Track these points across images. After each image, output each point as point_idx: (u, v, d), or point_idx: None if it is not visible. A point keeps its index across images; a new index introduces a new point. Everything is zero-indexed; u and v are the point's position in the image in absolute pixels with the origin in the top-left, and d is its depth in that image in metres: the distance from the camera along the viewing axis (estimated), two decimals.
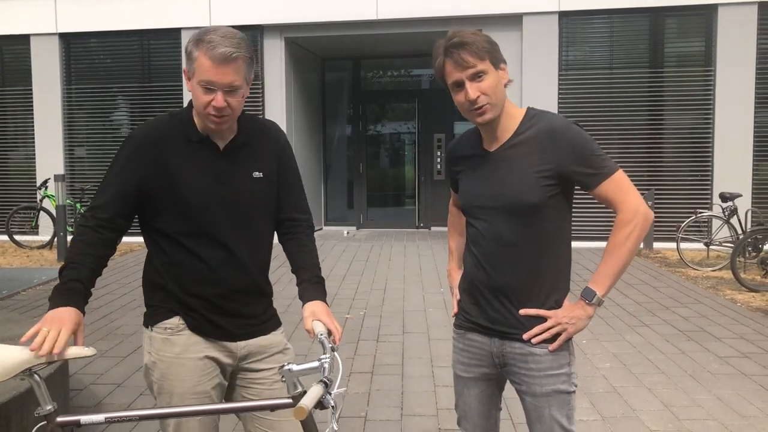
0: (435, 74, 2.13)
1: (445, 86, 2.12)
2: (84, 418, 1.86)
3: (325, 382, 1.84)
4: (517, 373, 2.14)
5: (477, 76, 2.04)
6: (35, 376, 1.86)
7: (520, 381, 2.15)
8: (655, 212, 9.54)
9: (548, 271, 2.11)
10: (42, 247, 10.65)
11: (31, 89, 11.75)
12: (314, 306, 2.20)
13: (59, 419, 1.87)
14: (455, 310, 2.31)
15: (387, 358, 5.20)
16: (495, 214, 2.11)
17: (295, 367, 1.88)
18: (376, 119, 13.49)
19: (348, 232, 12.52)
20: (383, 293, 7.43)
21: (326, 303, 2.24)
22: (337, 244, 10.98)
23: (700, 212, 9.02)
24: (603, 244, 8.01)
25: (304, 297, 2.26)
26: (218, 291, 2.20)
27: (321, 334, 2.06)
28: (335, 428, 1.87)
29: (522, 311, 2.10)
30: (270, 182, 2.28)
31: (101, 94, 11.75)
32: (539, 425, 2.13)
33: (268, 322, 2.32)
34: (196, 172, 2.16)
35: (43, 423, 1.88)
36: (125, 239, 10.91)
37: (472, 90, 2.04)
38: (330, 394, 1.85)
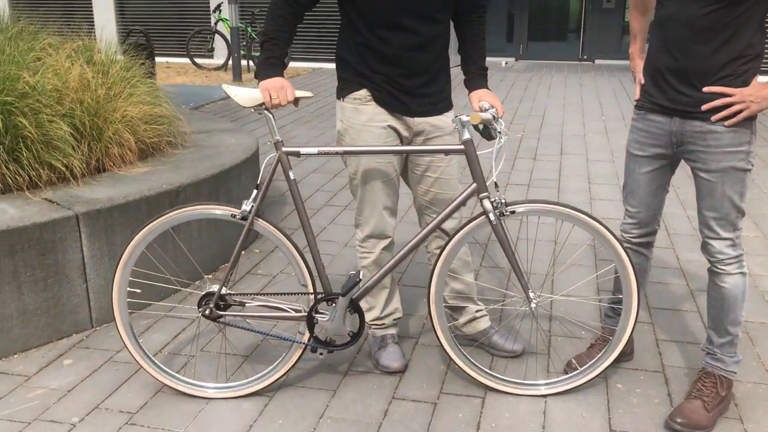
0: None
1: None
2: (303, 150, 2.31)
3: (493, 116, 2.21)
4: (694, 150, 2.20)
5: None
6: (267, 112, 2.30)
7: (697, 158, 2.21)
8: None
9: (738, 58, 2.09)
10: (218, 68, 11.44)
11: None
12: (480, 93, 2.54)
13: (284, 149, 2.31)
14: (637, 95, 2.37)
15: (544, 174, 5.35)
16: None
17: (464, 118, 2.22)
18: None
19: (506, 63, 12.29)
20: (542, 119, 7.43)
21: (490, 89, 2.55)
22: (495, 74, 10.88)
23: None
24: None
25: (471, 85, 2.58)
26: (401, 71, 2.43)
27: (489, 106, 2.40)
28: (502, 126, 2.26)
29: (706, 88, 2.11)
30: None
31: None
32: (710, 199, 2.21)
33: (443, 103, 2.56)
34: None
35: (272, 155, 2.32)
36: (293, 64, 11.47)
37: None
38: (498, 125, 2.26)
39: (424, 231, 2.37)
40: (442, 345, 2.47)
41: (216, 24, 11.56)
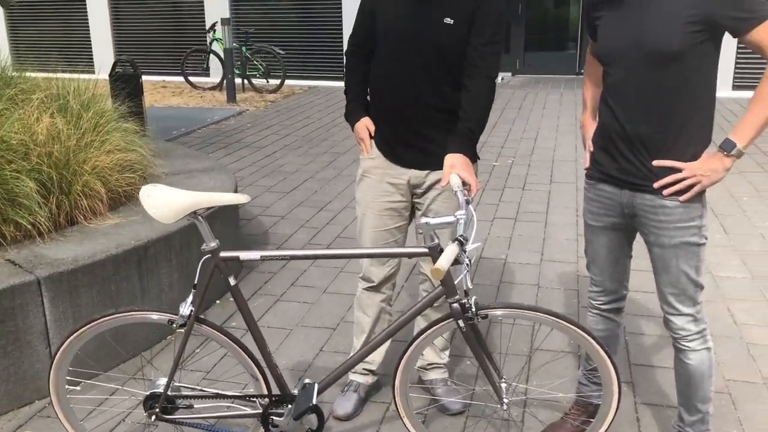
0: None
1: None
2: (243, 255, 2.07)
3: (460, 240, 1.92)
4: (647, 224, 2.14)
5: None
6: (199, 217, 2.06)
7: (649, 232, 2.15)
8: None
9: (688, 122, 2.03)
10: (213, 88, 11.39)
11: None
12: (454, 158, 2.28)
13: (222, 254, 2.09)
14: (587, 163, 2.30)
15: (532, 206, 5.26)
16: (635, 61, 2.02)
17: (432, 221, 1.97)
18: None
19: (503, 78, 12.20)
20: (534, 142, 7.34)
21: (468, 156, 2.30)
22: None
23: None
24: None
25: (449, 148, 2.33)
26: (393, 122, 2.49)
27: (457, 187, 2.13)
28: (470, 286, 1.98)
29: (656, 162, 2.06)
30: (459, 29, 2.34)
31: None
32: (666, 275, 2.14)
33: (440, 158, 2.40)
34: (395, 7, 2.39)
35: (208, 257, 2.11)
36: (288, 82, 11.43)
37: None
38: (465, 251, 1.95)
39: (383, 334, 2.18)
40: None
41: (211, 44, 11.52)
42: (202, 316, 2.19)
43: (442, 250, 2.02)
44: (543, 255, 4.31)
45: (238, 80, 11.12)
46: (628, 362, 3.07)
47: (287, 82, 11.58)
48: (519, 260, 4.23)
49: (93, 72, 13.09)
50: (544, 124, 8.19)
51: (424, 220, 1.99)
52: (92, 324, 2.18)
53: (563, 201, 5.36)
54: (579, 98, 9.88)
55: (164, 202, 2.00)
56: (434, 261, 2.03)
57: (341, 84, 11.18)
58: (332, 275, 4.07)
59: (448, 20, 2.32)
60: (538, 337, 3.30)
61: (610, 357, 2.13)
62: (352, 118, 2.62)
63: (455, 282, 2.07)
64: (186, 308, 2.13)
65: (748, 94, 9.74)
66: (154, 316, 2.18)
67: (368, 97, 2.62)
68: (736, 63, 9.82)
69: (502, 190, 5.69)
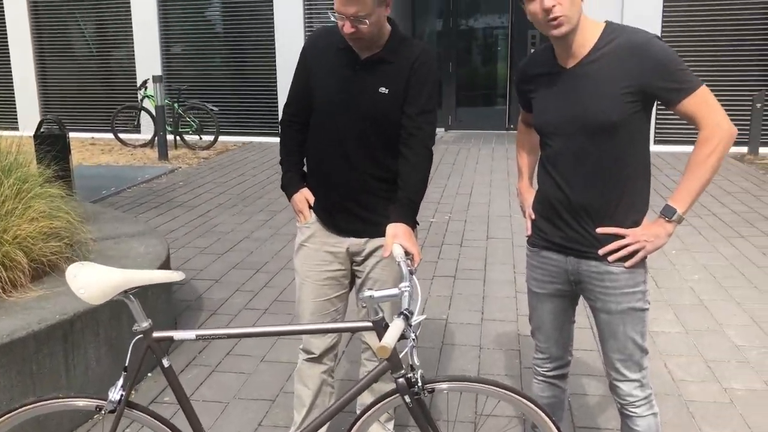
0: None
1: None
2: (177, 335, 1.97)
3: (405, 315, 1.86)
4: (593, 290, 2.15)
5: None
6: (130, 296, 1.95)
7: (595, 298, 2.16)
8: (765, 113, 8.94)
9: (627, 189, 2.08)
10: (144, 145, 11.17)
11: None
12: (396, 228, 2.29)
13: (155, 335, 1.98)
14: (529, 230, 2.31)
15: (470, 263, 5.28)
16: (574, 133, 2.06)
17: (376, 294, 1.91)
18: (467, 13, 13.01)
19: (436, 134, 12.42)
20: (469, 198, 7.44)
21: (410, 225, 2.31)
22: None
23: None
24: (689, 148, 7.64)
25: (390, 217, 2.34)
26: (331, 191, 2.47)
27: (400, 257, 2.11)
28: (416, 362, 1.92)
29: (600, 229, 2.09)
30: (394, 98, 2.35)
31: None
32: (613, 341, 2.15)
33: (379, 226, 2.41)
34: (331, 77, 2.38)
35: (139, 337, 2.00)
36: (222, 138, 11.31)
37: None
38: (410, 326, 1.88)
39: (326, 414, 2.06)
40: None
41: (142, 101, 11.34)
42: (133, 395, 2.06)
43: (387, 325, 1.96)
44: (483, 314, 4.30)
45: (170, 137, 10.94)
46: (572, 425, 3.05)
47: (221, 138, 11.46)
48: (460, 320, 4.21)
49: (17, 128, 12.65)
50: (478, 180, 8.33)
51: (368, 293, 1.92)
52: (10, 415, 2.02)
53: (500, 257, 5.41)
54: (510, 153, 10.13)
55: (92, 283, 1.89)
56: (379, 335, 1.96)
57: (276, 140, 11.16)
58: (270, 342, 3.94)
59: (383, 90, 2.34)
60: (485, 403, 3.26)
61: (557, 426, 2.10)
62: (288, 189, 2.58)
63: (400, 356, 2.01)
64: (116, 393, 1.99)
65: (668, 148, 10.18)
66: (81, 402, 2.03)
67: (305, 167, 2.60)
68: (657, 118, 10.29)
69: (441, 247, 5.71)
